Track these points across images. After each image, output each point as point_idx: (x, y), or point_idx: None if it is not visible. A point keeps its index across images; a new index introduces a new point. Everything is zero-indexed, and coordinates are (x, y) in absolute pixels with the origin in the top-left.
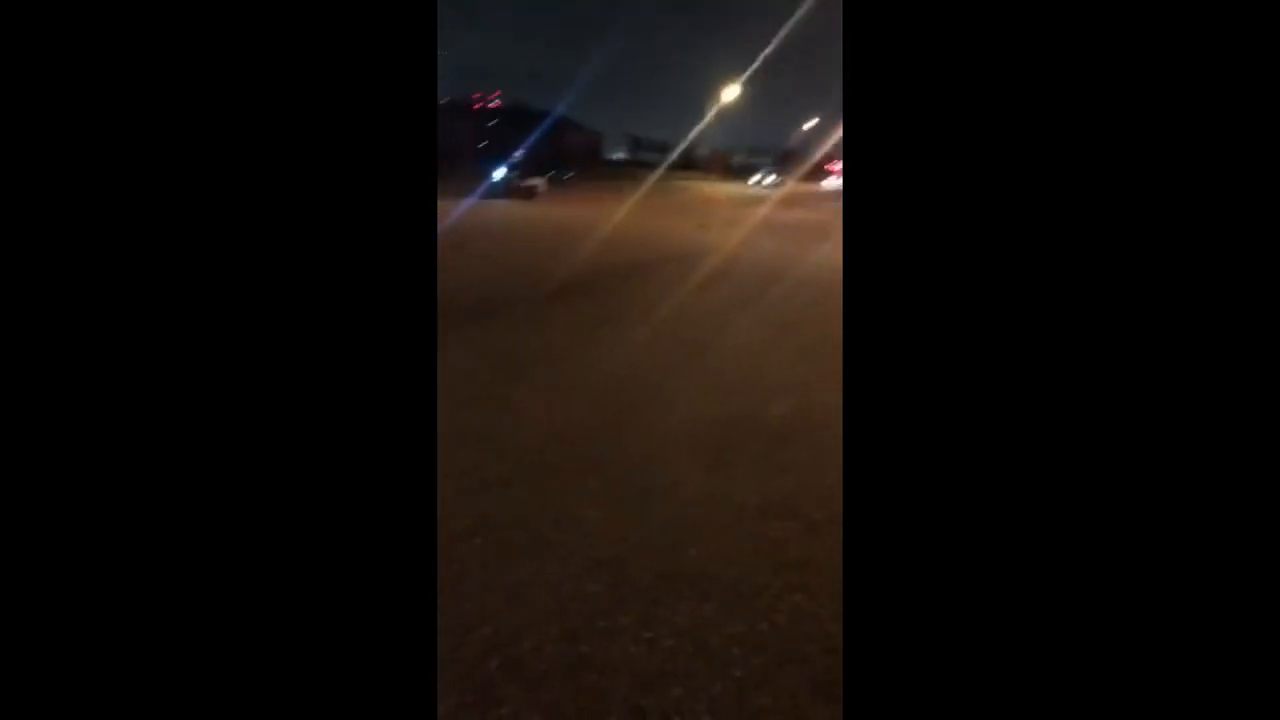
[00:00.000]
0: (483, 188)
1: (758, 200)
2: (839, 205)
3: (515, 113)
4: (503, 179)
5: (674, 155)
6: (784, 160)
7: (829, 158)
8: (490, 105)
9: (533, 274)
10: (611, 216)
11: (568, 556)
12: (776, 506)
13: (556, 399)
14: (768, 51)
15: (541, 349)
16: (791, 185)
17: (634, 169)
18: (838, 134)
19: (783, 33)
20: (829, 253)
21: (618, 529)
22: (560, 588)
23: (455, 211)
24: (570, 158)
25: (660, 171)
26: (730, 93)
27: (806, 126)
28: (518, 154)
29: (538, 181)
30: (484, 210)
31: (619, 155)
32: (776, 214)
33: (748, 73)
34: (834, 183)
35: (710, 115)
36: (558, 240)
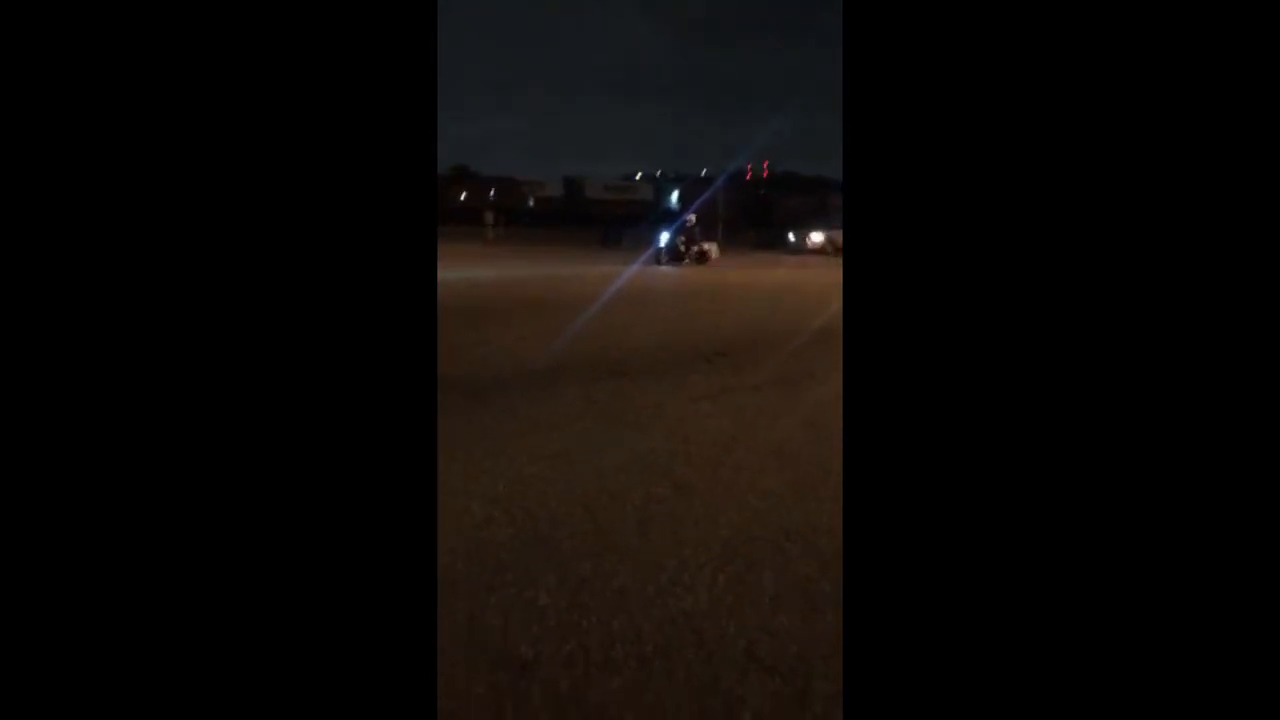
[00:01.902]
0: (647, 254)
1: None
2: None
3: (783, 179)
4: (669, 244)
5: None
6: None
7: None
8: (763, 175)
9: (685, 338)
10: (817, 280)
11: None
12: None
13: (614, 471)
14: None
15: (649, 414)
16: None
17: None
18: None
19: None
20: None
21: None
22: None
23: (616, 281)
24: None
25: None
26: None
27: None
28: (688, 216)
29: (710, 246)
30: (646, 277)
31: None
32: None
33: None
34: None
35: None
36: (723, 303)
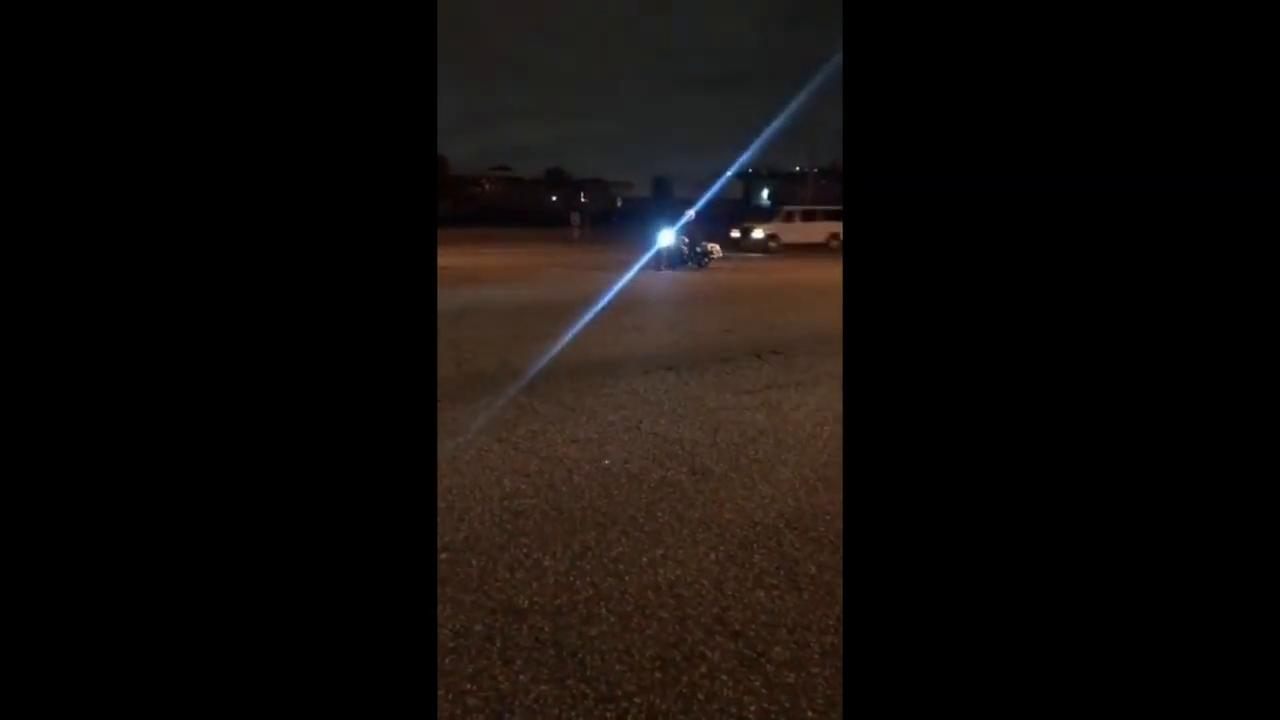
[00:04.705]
0: (646, 258)
1: None
2: None
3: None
4: (672, 246)
5: None
6: None
7: None
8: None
9: (746, 333)
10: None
11: None
12: None
13: (639, 455)
14: None
15: (688, 406)
16: None
17: None
18: None
19: None
20: None
21: None
22: None
23: (609, 290)
24: None
25: None
26: None
27: None
28: (689, 214)
29: (713, 246)
30: (649, 286)
31: None
32: None
33: None
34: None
35: None
36: (793, 301)
